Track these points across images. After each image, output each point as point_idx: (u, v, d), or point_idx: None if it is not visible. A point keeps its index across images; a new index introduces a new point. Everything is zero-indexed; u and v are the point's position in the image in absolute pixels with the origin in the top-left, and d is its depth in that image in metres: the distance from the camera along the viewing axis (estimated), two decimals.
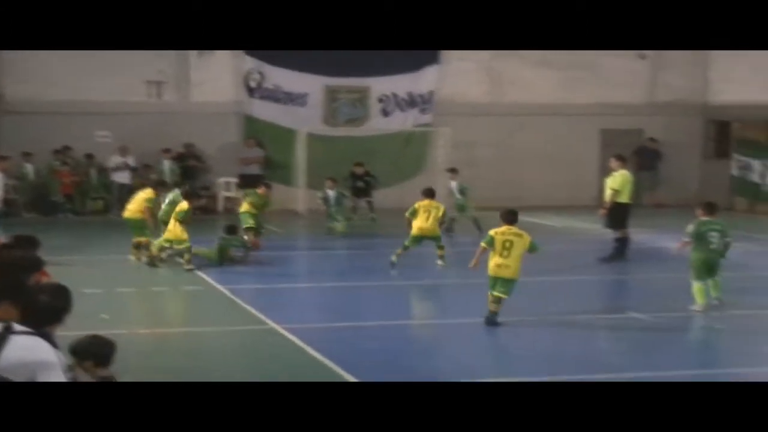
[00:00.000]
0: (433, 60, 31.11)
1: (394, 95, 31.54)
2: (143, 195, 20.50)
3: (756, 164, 30.93)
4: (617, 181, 21.11)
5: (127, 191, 24.51)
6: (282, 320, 14.70)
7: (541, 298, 16.62)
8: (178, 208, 19.60)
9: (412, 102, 31.74)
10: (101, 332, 7.42)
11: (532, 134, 31.90)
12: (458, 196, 25.13)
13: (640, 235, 22.84)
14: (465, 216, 24.69)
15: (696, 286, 15.79)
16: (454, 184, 25.39)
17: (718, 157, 33.02)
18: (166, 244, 19.85)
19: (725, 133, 33.46)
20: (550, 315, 15.46)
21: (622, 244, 21.05)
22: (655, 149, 32.66)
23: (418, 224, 19.37)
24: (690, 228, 15.98)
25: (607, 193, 21.06)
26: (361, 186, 28.62)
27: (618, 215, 20.86)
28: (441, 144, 30.77)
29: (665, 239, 22.27)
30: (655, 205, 30.96)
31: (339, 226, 25.02)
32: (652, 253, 22.31)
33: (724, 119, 33.34)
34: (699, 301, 15.72)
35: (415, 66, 31.11)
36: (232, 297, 16.76)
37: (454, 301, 17.60)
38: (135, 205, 20.40)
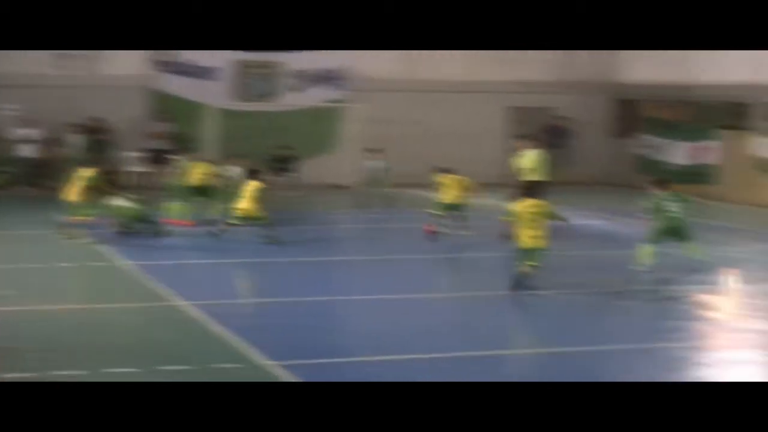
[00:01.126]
0: None
1: (307, 71, 31.44)
2: (85, 174, 20.29)
3: (662, 143, 31.43)
4: (531, 160, 21.28)
5: (34, 165, 24.15)
6: (190, 296, 14.68)
7: (451, 274, 16.79)
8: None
9: (325, 78, 31.68)
10: (4, 309, 7.36)
11: (444, 111, 32.06)
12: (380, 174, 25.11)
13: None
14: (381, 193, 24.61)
15: (646, 248, 17.19)
16: (374, 163, 25.35)
17: (625, 136, 33.46)
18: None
19: (633, 111, 33.92)
20: (458, 291, 15.65)
21: None
22: (565, 127, 33.01)
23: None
24: (647, 204, 17.60)
25: (522, 172, 21.29)
26: (283, 167, 28.61)
27: (535, 193, 21.06)
28: (355, 120, 30.79)
29: (576, 217, 22.60)
30: (563, 183, 31.29)
31: None
32: (561, 230, 22.59)
33: (632, 98, 33.81)
34: (643, 260, 17.11)
35: None
36: (141, 272, 16.67)
37: (369, 277, 17.68)
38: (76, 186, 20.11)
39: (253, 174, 20.87)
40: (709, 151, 29.44)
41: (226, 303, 14.81)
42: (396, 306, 14.93)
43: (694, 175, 29.63)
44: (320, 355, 11.77)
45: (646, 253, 17.19)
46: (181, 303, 14.43)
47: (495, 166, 31.40)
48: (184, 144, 28.36)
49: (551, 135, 32.86)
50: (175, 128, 29.74)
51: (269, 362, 11.22)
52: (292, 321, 13.71)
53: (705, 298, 15.77)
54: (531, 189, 16.51)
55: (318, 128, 31.46)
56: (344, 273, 18.32)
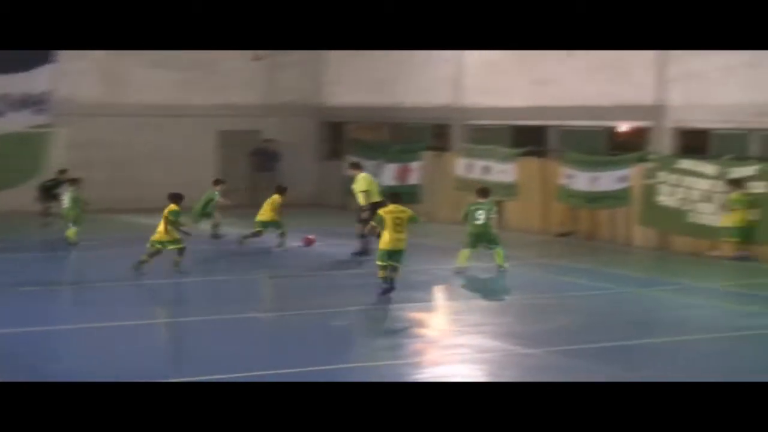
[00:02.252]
0: (45, 59, 30.20)
1: (6, 95, 30.34)
2: None
3: (368, 164, 32.15)
4: (363, 183, 22.58)
5: None
6: None
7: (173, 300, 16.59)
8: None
9: (25, 102, 30.66)
10: None
11: (152, 135, 31.65)
12: (68, 204, 23.92)
13: (266, 236, 23.29)
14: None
15: (462, 252, 19.94)
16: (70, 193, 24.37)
17: (332, 158, 34.08)
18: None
19: (339, 134, 34.64)
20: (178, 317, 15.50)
21: (365, 239, 22.02)
22: (273, 150, 33.27)
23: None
24: (463, 210, 20.43)
25: (359, 197, 22.51)
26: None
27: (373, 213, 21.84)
28: (58, 145, 29.93)
29: (289, 239, 22.90)
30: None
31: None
32: (272, 253, 22.83)
33: (338, 120, 34.53)
34: (459, 263, 19.81)
35: (26, 65, 30.08)
36: None
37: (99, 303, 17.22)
38: None
39: None
40: (413, 172, 30.39)
41: None
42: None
43: (401, 195, 30.46)
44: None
45: (461, 256, 19.82)
46: None
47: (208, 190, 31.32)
48: None
49: (259, 158, 33.14)
50: None
51: None
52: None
53: (419, 315, 16.29)
54: (397, 196, 18.44)
55: (21, 154, 30.37)
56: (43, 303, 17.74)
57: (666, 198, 23.73)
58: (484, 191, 20.69)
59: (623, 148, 26.40)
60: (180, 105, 32.07)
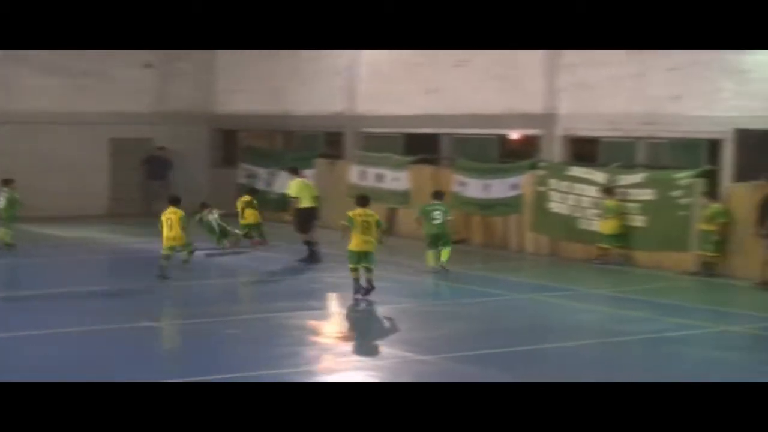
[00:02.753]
0: None
1: None
2: None
3: (261, 172, 32.13)
4: (293, 189, 22.91)
5: None
6: None
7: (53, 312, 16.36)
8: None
9: None
10: None
11: (42, 143, 31.13)
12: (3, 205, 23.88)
13: (147, 244, 23.09)
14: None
15: (427, 254, 21.34)
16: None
17: (226, 166, 33.95)
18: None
19: (232, 142, 34.51)
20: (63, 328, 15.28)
21: (312, 246, 22.41)
22: (165, 158, 32.98)
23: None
24: (419, 208, 21.98)
25: (292, 201, 22.89)
26: None
27: (302, 220, 22.58)
28: None
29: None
30: None
31: None
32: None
33: (231, 128, 34.39)
34: (428, 264, 21.26)
35: None
36: None
37: None
38: None
39: None
40: (306, 179, 30.34)
41: None
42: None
43: (368, 199, 30.46)
44: None
45: (428, 257, 21.32)
46: None
47: (101, 198, 31.04)
48: None
49: (151, 166, 32.81)
50: None
51: None
52: None
53: (314, 323, 16.31)
54: (365, 199, 18.66)
55: None
56: None
57: (557, 205, 24.11)
58: (438, 193, 22.04)
59: (515, 155, 26.76)
60: (72, 112, 31.57)
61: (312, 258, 22.35)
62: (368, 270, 17.86)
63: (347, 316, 17.48)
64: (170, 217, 20.31)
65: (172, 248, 20.20)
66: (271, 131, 33.56)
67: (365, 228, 17.87)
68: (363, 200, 18.59)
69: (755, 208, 20.35)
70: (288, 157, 31.21)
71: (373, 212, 18.34)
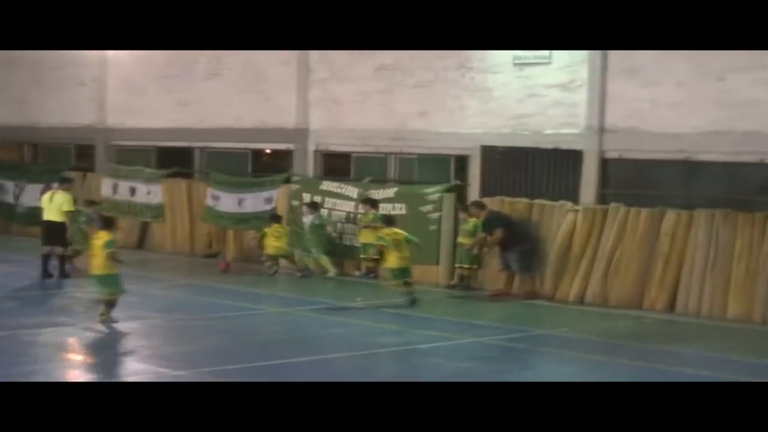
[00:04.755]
0: None
1: None
2: None
3: (8, 185, 31.09)
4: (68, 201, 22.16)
5: None
6: None
7: None
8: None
9: None
10: None
11: None
12: None
13: None
14: None
15: (323, 258, 23.33)
16: None
17: None
18: None
19: None
20: None
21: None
22: None
23: None
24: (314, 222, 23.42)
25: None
26: None
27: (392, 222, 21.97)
28: None
29: None
30: None
31: None
32: None
33: None
34: (328, 268, 23.33)
35: None
36: None
37: None
38: None
39: None
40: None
41: None
42: None
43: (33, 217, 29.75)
44: None
45: (325, 261, 23.21)
46: None
47: None
48: None
49: None
50: None
51: None
52: None
53: (66, 339, 15.94)
54: (392, 219, 20.42)
55: None
56: None
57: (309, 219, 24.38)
58: (313, 205, 23.62)
59: (269, 169, 26.90)
60: None
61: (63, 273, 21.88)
62: (408, 283, 19.54)
63: (99, 332, 17.12)
64: None
65: None
66: (19, 143, 32.53)
67: (398, 246, 19.40)
68: (390, 220, 20.31)
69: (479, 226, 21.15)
70: (36, 170, 30.41)
71: (401, 230, 19.80)
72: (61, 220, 22.05)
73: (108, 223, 17.67)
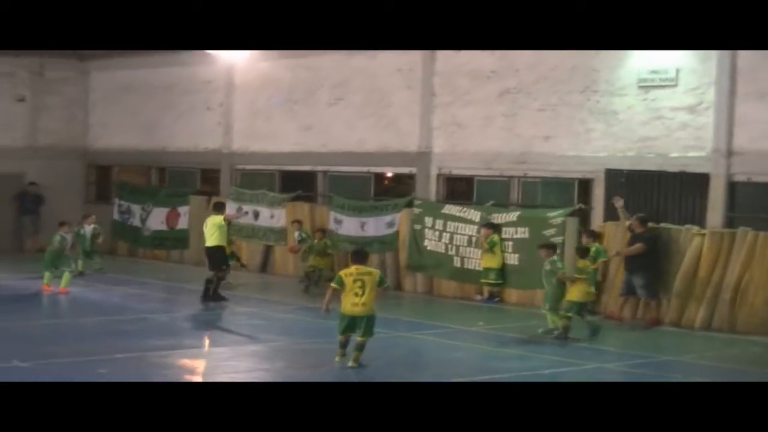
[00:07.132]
0: None
1: None
2: None
3: (135, 208, 31.76)
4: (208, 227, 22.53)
5: None
6: None
7: None
8: None
9: None
10: None
11: None
12: None
13: (23, 281, 22.62)
14: None
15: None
16: None
17: (99, 201, 33.48)
18: None
19: (106, 177, 34.09)
20: None
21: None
22: (37, 193, 32.37)
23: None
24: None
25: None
26: None
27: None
28: None
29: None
30: (38, 250, 30.67)
31: None
32: (34, 299, 22.23)
33: (104, 164, 33.97)
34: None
35: None
36: None
37: None
38: None
39: None
40: (181, 217, 30.19)
41: None
42: None
43: (169, 240, 30.26)
44: None
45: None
46: None
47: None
48: None
49: (23, 201, 32.17)
50: None
51: None
52: None
53: (187, 361, 16.14)
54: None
55: None
56: None
57: (432, 243, 24.33)
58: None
59: (390, 193, 26.96)
60: None
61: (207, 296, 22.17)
62: (570, 318, 18.65)
63: (220, 355, 17.31)
64: None
65: None
66: (146, 167, 33.22)
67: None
68: (584, 252, 19.82)
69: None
70: (162, 194, 30.98)
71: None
72: (216, 244, 22.38)
73: (362, 257, 16.17)
